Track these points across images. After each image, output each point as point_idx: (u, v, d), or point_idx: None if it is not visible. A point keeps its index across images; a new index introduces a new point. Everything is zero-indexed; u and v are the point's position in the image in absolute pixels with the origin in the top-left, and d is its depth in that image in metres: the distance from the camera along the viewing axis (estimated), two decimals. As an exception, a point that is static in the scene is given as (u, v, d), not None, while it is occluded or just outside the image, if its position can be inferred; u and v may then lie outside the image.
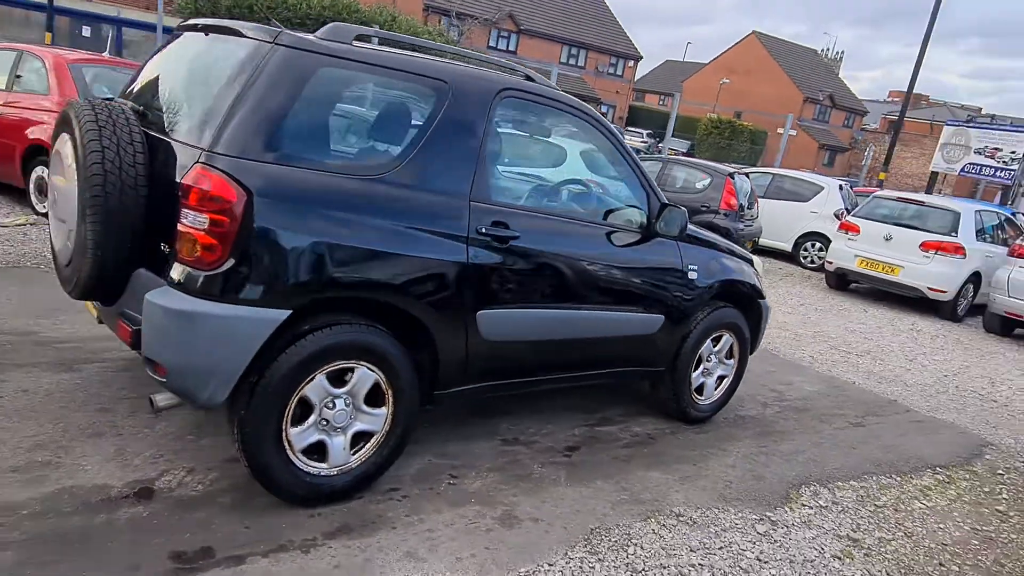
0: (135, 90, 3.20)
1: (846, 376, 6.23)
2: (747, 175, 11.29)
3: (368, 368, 2.82)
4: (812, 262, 12.08)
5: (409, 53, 3.04)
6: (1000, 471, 4.63)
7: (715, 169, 10.39)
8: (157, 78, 3.15)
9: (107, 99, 2.79)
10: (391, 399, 2.93)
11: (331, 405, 2.80)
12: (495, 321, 3.15)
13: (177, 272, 2.48)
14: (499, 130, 3.15)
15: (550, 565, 2.77)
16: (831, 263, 10.34)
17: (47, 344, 3.97)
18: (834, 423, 4.98)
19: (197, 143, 2.51)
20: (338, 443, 2.85)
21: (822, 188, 12.10)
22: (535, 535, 2.95)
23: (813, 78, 46.32)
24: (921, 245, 9.48)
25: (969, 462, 4.69)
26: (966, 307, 9.82)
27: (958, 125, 18.77)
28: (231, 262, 2.44)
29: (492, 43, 35.28)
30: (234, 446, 2.72)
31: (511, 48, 36.40)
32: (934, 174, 19.21)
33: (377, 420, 2.93)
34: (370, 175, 2.77)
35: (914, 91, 18.30)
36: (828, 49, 70.01)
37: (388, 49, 2.96)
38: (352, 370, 2.80)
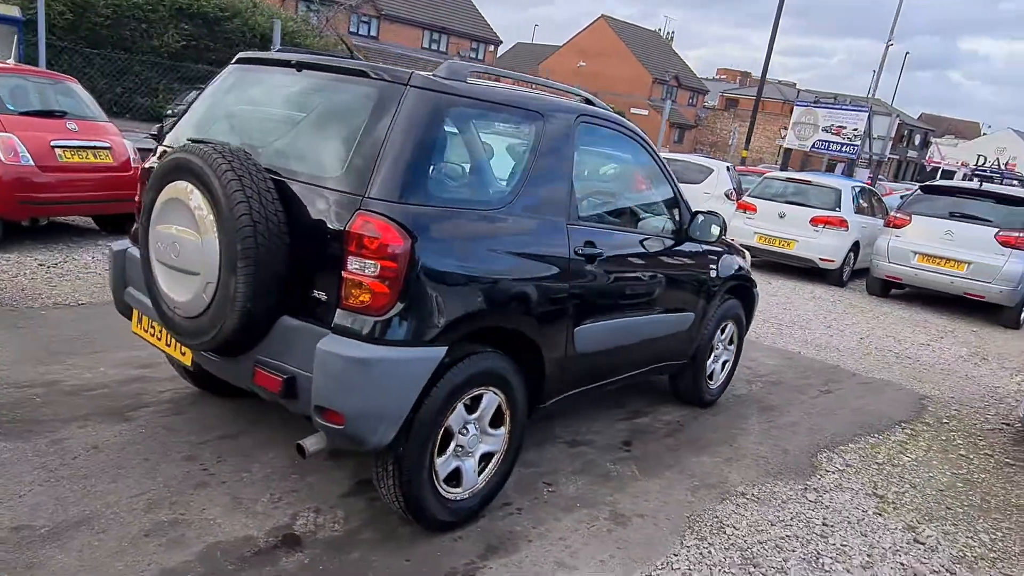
0: (213, 129, 3.07)
1: (790, 347, 6.94)
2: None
3: (494, 392, 2.95)
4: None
5: (504, 86, 3.15)
6: (944, 420, 5.43)
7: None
8: (246, 117, 3.05)
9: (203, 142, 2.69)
10: (508, 419, 3.07)
11: (464, 431, 2.90)
12: (586, 335, 3.36)
13: (345, 319, 2.48)
14: (578, 154, 3.32)
15: (676, 556, 3.04)
16: (732, 240, 11.19)
17: (77, 393, 3.70)
18: (808, 392, 5.60)
19: (351, 189, 2.51)
20: (470, 466, 2.96)
21: (712, 170, 13.05)
22: (649, 530, 3.21)
23: (659, 59, 48.94)
24: (811, 220, 10.55)
25: (920, 416, 5.45)
26: (849, 273, 11.05)
27: (806, 105, 20.77)
28: (399, 306, 2.49)
29: (353, 28, 34.31)
30: (382, 483, 2.77)
31: (372, 34, 35.61)
32: (788, 151, 21.16)
33: (498, 440, 3.07)
34: (494, 208, 2.88)
35: (740, 70, 19.88)
36: (660, 29, 73.87)
37: (489, 83, 3.05)
38: (482, 396, 2.92)
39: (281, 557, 2.64)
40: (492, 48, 41.82)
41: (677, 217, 4.12)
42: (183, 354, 3.03)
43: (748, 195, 11.43)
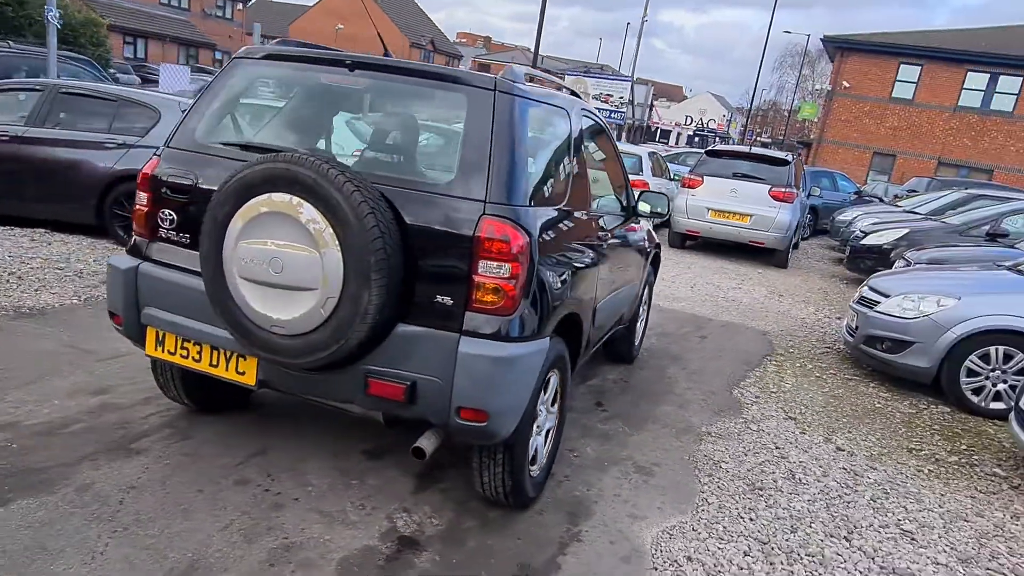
0: (265, 133, 2.88)
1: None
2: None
3: (558, 373, 3.21)
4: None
5: (536, 86, 3.32)
6: (789, 350, 6.62)
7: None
8: (308, 120, 2.89)
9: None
10: (560, 395, 3.35)
11: (540, 412, 3.13)
12: (600, 309, 3.72)
13: (476, 321, 2.58)
14: (585, 146, 3.61)
15: (703, 493, 3.57)
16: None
17: (53, 432, 3.24)
18: (691, 340, 6.47)
19: (469, 195, 2.58)
20: (541, 444, 3.20)
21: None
22: (671, 476, 3.71)
23: (414, 24, 48.89)
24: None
25: (774, 349, 6.59)
26: (651, 230, 12.44)
27: (577, 75, 22.41)
28: (524, 303, 2.65)
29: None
30: (487, 472, 2.93)
31: (101, -15, 31.13)
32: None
33: (554, 416, 3.33)
34: (559, 204, 3.10)
35: (476, 34, 21.00)
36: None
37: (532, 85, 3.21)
38: (550, 378, 3.15)
39: (412, 559, 2.70)
40: (241, 6, 38.75)
41: (624, 197, 4.58)
42: (240, 373, 2.87)
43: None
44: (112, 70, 21.13)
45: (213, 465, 3.16)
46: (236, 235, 2.58)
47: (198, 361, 2.94)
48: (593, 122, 4.02)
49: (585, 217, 3.44)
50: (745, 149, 12.20)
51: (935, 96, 30.08)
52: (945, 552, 3.32)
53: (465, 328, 2.59)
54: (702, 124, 60.34)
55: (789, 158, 11.60)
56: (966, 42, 29.88)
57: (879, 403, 5.44)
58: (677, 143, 45.62)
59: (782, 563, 3.03)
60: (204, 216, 2.68)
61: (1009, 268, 6.50)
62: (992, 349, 5.38)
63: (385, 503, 3.05)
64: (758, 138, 58.21)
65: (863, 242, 10.40)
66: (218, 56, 35.44)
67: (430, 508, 3.07)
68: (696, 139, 42.70)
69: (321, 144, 2.81)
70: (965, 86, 29.71)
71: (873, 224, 10.96)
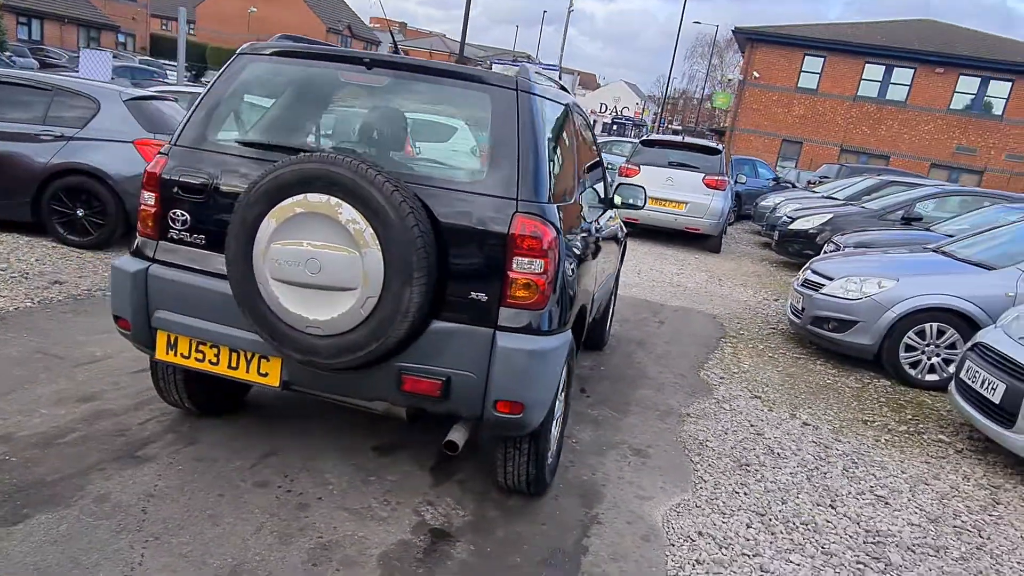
0: (288, 131, 2.84)
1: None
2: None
3: (568, 362, 3.31)
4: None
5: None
6: (740, 332, 6.96)
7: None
8: (328, 118, 2.86)
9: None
10: (567, 384, 3.46)
11: (559, 402, 3.23)
12: (595, 300, 3.86)
13: (511, 316, 2.65)
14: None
15: (697, 472, 3.77)
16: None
17: (50, 443, 3.11)
18: (650, 324, 6.71)
19: (500, 193, 2.65)
20: (555, 432, 3.31)
21: (456, 128, 13.65)
22: (665, 456, 3.89)
23: (330, 8, 47.62)
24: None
25: (726, 332, 6.91)
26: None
27: (504, 63, 22.42)
28: (554, 297, 2.74)
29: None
30: (511, 462, 3.02)
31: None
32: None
33: (561, 405, 3.45)
34: (569, 199, 3.19)
35: (390, 19, 20.93)
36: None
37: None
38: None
39: (448, 551, 2.76)
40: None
41: (603, 188, 4.72)
42: (263, 375, 2.84)
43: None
44: (8, 53, 19.70)
45: (227, 468, 3.11)
46: (268, 236, 2.56)
47: (215, 364, 2.89)
48: (582, 118, 4.13)
49: (584, 210, 3.55)
50: (679, 139, 12.61)
51: (837, 86, 31.73)
52: (916, 513, 3.63)
53: (500, 323, 2.65)
54: (618, 112, 61.59)
55: (720, 147, 12.07)
56: (864, 36, 31.66)
57: (829, 379, 5.82)
58: (600, 131, 46.30)
59: (782, 532, 3.25)
60: (230, 217, 2.63)
61: (934, 250, 7.04)
62: (927, 326, 5.84)
63: (408, 497, 3.09)
64: (669, 125, 59.86)
65: (790, 227, 10.96)
66: (121, 39, 33.49)
67: (452, 500, 3.13)
68: (615, 127, 43.54)
69: (347, 143, 2.80)
70: (864, 77, 31.48)
71: (797, 210, 11.56)
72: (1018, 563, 3.30)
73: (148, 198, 2.91)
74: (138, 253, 2.97)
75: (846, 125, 31.88)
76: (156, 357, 2.96)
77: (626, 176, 11.72)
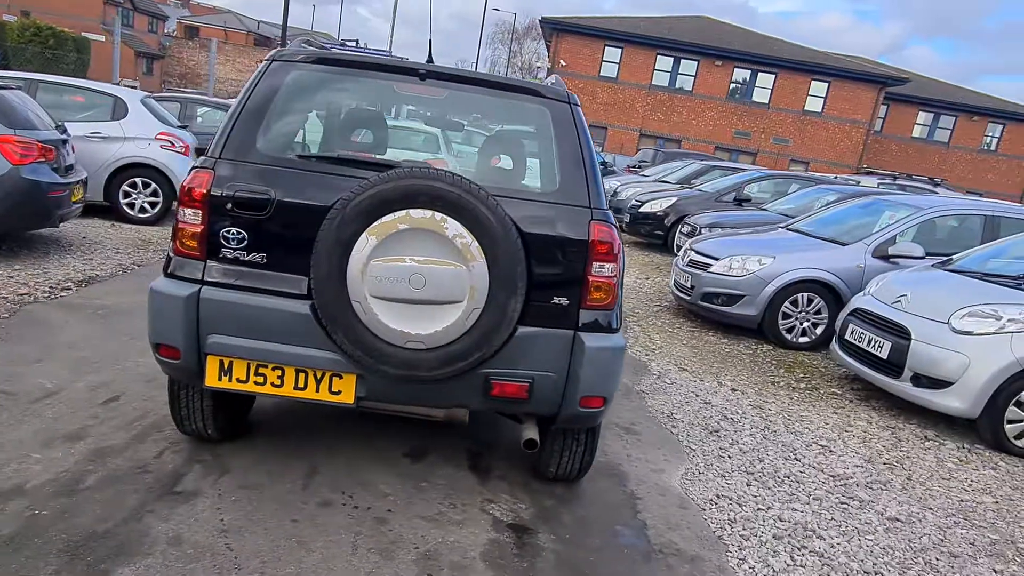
0: (348, 143, 2.76)
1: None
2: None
3: None
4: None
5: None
6: (636, 311, 7.57)
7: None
8: (388, 130, 2.80)
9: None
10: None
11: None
12: None
13: (590, 318, 2.84)
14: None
15: (686, 443, 4.19)
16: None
17: (73, 492, 2.79)
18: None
19: (575, 201, 2.81)
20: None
21: None
22: (652, 431, 4.27)
23: (102, -24, 42.44)
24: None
25: (628, 314, 7.46)
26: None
27: (329, 46, 21.52)
28: (619, 297, 2.97)
29: None
30: (568, 453, 3.21)
31: None
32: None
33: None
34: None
35: None
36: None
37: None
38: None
39: (536, 543, 2.91)
40: None
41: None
42: (336, 393, 2.80)
43: None
44: None
45: (280, 492, 2.99)
46: (368, 253, 2.52)
47: (278, 386, 2.78)
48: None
49: None
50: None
51: (634, 75, 34.28)
52: (854, 457, 4.33)
53: (581, 324, 2.83)
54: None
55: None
56: (655, 29, 34.43)
57: (726, 348, 6.57)
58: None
59: (774, 486, 3.76)
60: (315, 234, 2.55)
61: (786, 228, 8.12)
62: (799, 296, 6.78)
63: (467, 498, 3.17)
64: (474, 110, 60.90)
65: (640, 210, 11.91)
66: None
67: (506, 495, 3.25)
68: (428, 112, 43.66)
69: (424, 155, 2.78)
70: (656, 67, 34.31)
71: (643, 193, 12.57)
72: (940, 484, 4.08)
73: (191, 215, 2.71)
74: (179, 274, 2.75)
75: (644, 112, 34.56)
76: (206, 384, 2.78)
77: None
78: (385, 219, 2.51)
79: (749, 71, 34.13)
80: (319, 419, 3.71)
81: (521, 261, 2.59)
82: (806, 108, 34.04)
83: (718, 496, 3.55)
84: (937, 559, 3.26)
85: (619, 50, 34.22)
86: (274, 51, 2.97)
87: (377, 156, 2.91)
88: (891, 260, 6.74)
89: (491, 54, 60.88)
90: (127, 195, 8.18)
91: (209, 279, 2.73)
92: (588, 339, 2.81)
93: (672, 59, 34.24)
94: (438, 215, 2.52)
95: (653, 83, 34.20)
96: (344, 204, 2.52)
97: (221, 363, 2.75)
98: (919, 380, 4.97)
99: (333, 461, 3.31)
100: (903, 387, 5.07)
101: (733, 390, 5.31)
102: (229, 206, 2.69)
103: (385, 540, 2.77)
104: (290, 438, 3.48)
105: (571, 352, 2.81)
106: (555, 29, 34.51)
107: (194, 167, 2.79)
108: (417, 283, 2.55)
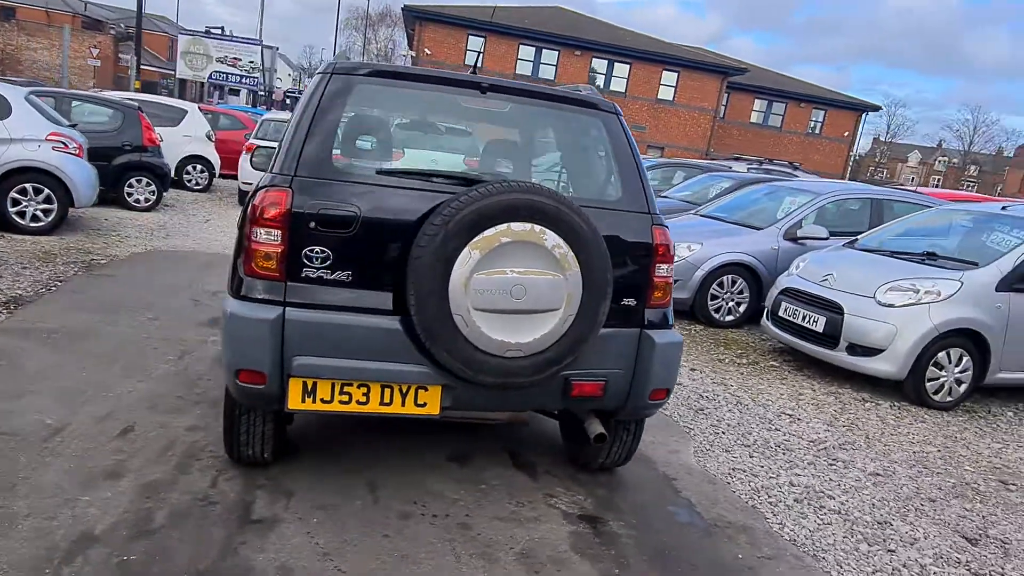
0: (418, 156, 2.76)
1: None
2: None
3: None
4: (197, 184, 12.48)
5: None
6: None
7: (121, 104, 9.79)
8: (464, 144, 2.83)
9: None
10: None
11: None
12: None
13: (654, 316, 3.04)
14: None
15: (686, 423, 4.51)
16: (249, 183, 11.33)
17: (138, 536, 2.63)
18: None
19: (638, 208, 2.99)
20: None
21: (186, 111, 12.33)
22: (658, 418, 4.55)
23: None
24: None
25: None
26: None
27: (193, 35, 20.13)
28: (672, 296, 3.19)
29: None
30: (617, 443, 3.40)
31: None
32: (182, 81, 20.31)
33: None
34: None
35: None
36: None
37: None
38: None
39: (611, 531, 3.08)
40: None
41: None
42: (421, 405, 2.83)
43: (256, 137, 11.55)
44: None
45: (356, 510, 2.97)
46: (471, 267, 2.57)
47: (363, 404, 2.77)
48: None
49: None
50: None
51: (499, 65, 34.68)
52: (819, 422, 4.84)
53: (647, 323, 3.02)
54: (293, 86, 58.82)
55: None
56: (515, 19, 35.03)
57: (665, 331, 7.00)
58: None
59: (772, 453, 4.16)
60: (418, 250, 2.57)
61: (696, 215, 8.72)
62: (724, 278, 7.35)
63: (529, 495, 3.29)
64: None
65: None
66: None
67: (562, 488, 3.40)
68: (287, 100, 41.78)
69: (503, 169, 2.82)
70: (519, 57, 34.97)
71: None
72: (891, 440, 4.67)
73: (270, 235, 2.62)
74: (256, 296, 2.66)
75: (509, 100, 35.08)
76: (288, 407, 2.71)
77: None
78: (487, 233, 2.57)
79: (607, 61, 35.57)
80: (353, 431, 3.67)
81: (609, 267, 2.74)
82: (659, 96, 35.99)
83: (732, 470, 3.89)
84: (921, 505, 3.77)
85: (482, 39, 34.48)
86: (331, 63, 2.90)
87: (458, 171, 2.93)
88: (799, 242, 7.47)
89: (345, 40, 59.25)
90: (16, 203, 7.40)
91: (292, 300, 2.66)
92: (656, 336, 3.01)
93: (534, 48, 35.02)
94: (537, 227, 2.61)
95: (517, 72, 34.78)
96: (447, 220, 2.55)
97: (304, 385, 2.70)
98: (854, 349, 5.61)
99: (387, 473, 3.31)
100: (840, 356, 5.68)
101: (692, 370, 5.72)
102: (313, 225, 2.64)
103: (479, 544, 2.84)
104: (333, 453, 3.43)
105: (638, 349, 3.00)
106: (417, 17, 34.23)
107: (263, 186, 2.69)
108: (518, 294, 2.63)
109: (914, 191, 11.28)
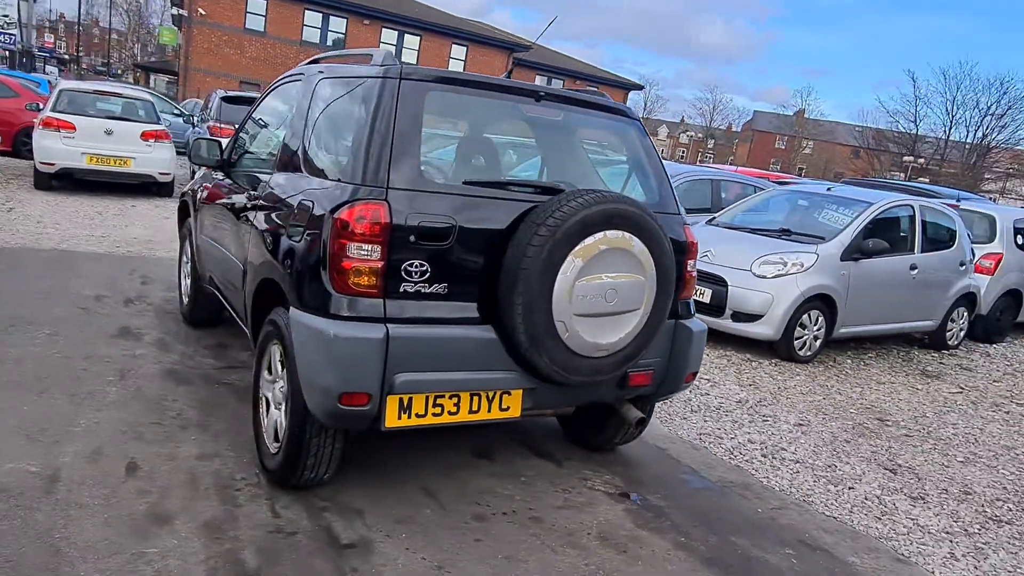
0: (486, 165, 2.78)
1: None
2: None
3: None
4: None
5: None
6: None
7: None
8: (528, 151, 2.86)
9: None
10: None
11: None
12: None
13: (683, 307, 3.34)
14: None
15: (674, 409, 4.92)
16: (51, 164, 9.89)
17: (291, 532, 2.45)
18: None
19: (670, 210, 3.26)
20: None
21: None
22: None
23: None
24: (141, 135, 10.39)
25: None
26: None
27: None
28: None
29: None
30: (640, 427, 3.68)
31: None
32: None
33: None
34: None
35: None
36: None
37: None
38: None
39: (652, 503, 3.37)
40: None
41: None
42: (504, 409, 2.91)
43: (55, 111, 10.03)
44: None
45: (434, 518, 2.96)
46: (575, 274, 2.68)
47: (454, 414, 2.79)
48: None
49: None
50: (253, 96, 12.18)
51: (283, 30, 32.85)
52: (731, 384, 5.53)
53: (679, 313, 3.32)
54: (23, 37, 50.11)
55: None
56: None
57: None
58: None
59: (717, 416, 4.71)
60: (525, 261, 2.61)
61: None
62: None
63: (569, 482, 3.47)
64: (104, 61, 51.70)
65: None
66: None
67: (589, 471, 3.62)
68: (25, 60, 35.81)
69: (573, 177, 2.86)
70: (305, 23, 33.33)
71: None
72: (788, 394, 5.47)
73: (368, 251, 2.52)
74: (353, 314, 2.54)
75: (297, 69, 33.37)
76: (386, 426, 2.64)
77: (223, 136, 10.96)
78: (587, 241, 2.69)
79: (397, 32, 35.08)
80: (366, 438, 3.57)
81: (674, 266, 2.99)
82: (450, 70, 36.30)
83: (700, 435, 4.37)
84: (844, 446, 4.53)
85: (264, 1, 32.35)
86: (389, 65, 2.77)
87: (539, 180, 2.95)
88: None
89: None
90: None
91: (392, 316, 2.58)
92: (691, 325, 3.32)
93: (320, 15, 33.54)
94: (627, 234, 2.78)
95: (304, 39, 33.17)
96: (553, 230, 2.63)
97: (401, 401, 2.64)
98: (738, 316, 6.40)
99: (432, 477, 3.30)
100: (726, 323, 6.46)
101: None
102: (412, 238, 2.57)
103: (561, 534, 2.99)
104: (367, 464, 3.34)
105: (673, 338, 3.30)
106: (188, -28, 31.16)
107: (352, 200, 2.56)
108: (611, 297, 2.79)
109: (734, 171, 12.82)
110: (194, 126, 13.06)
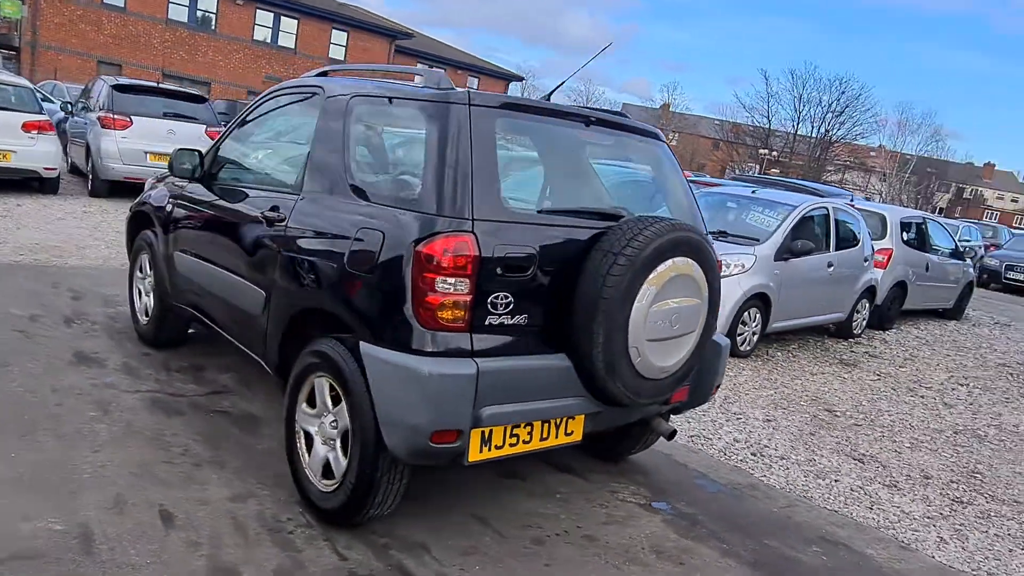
0: (558, 192, 2.78)
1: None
2: None
3: None
4: None
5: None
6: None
7: None
8: (590, 178, 2.87)
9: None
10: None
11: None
12: None
13: (715, 322, 3.48)
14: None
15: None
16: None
17: (361, 563, 2.34)
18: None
19: (702, 230, 3.38)
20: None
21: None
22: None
23: None
24: (23, 126, 9.40)
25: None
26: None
27: None
28: (710, 302, 3.66)
29: None
30: (649, 437, 3.80)
31: None
32: None
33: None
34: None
35: None
36: None
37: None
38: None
39: (683, 510, 3.50)
40: None
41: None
42: (569, 434, 2.94)
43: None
44: None
45: (496, 545, 2.93)
46: (650, 300, 2.73)
47: (528, 443, 2.78)
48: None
49: None
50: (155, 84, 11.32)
51: (147, 7, 30.53)
52: (753, 401, 5.77)
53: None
54: None
55: (205, 95, 11.49)
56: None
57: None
58: None
59: (696, 416, 4.92)
60: (606, 290, 2.63)
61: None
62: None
63: (601, 497, 3.52)
64: None
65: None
66: None
67: (614, 484, 3.69)
68: None
69: (633, 204, 2.87)
70: (171, 1, 31.12)
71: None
72: (746, 390, 5.81)
73: (455, 285, 2.45)
74: (439, 350, 2.47)
75: (163, 49, 31.20)
76: (470, 460, 2.59)
77: (118, 128, 10.12)
78: (659, 269, 2.74)
79: (273, 14, 33.52)
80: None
81: (720, 287, 3.11)
82: (331, 56, 35.16)
83: (692, 437, 4.56)
84: (810, 439, 4.88)
85: (123, -21, 29.91)
86: (446, 91, 2.69)
87: (604, 207, 2.94)
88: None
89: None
90: None
91: (479, 350, 2.53)
92: (718, 339, 3.46)
93: (188, -7, 31.44)
94: (690, 260, 2.86)
95: (170, 17, 31.01)
96: (632, 259, 2.66)
97: (483, 434, 2.60)
98: (686, 316, 6.70)
99: (476, 503, 3.26)
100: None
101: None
102: (499, 270, 2.53)
103: (619, 551, 3.05)
104: (413, 493, 3.24)
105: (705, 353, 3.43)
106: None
107: (434, 232, 2.47)
108: (675, 321, 2.87)
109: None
110: (73, 115, 11.87)
